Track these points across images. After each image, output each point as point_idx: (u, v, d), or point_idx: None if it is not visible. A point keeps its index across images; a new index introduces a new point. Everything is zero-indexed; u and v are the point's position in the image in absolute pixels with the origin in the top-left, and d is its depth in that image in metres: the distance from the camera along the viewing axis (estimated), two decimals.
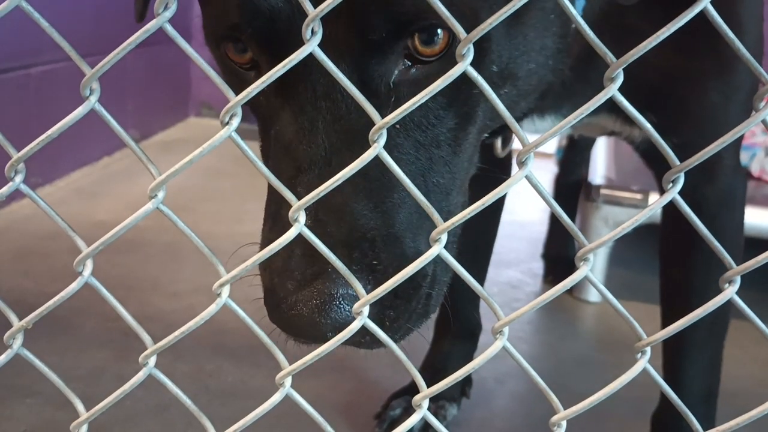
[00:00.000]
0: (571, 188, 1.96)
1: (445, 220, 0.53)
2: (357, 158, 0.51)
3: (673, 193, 0.52)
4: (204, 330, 1.44)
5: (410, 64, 0.62)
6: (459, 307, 1.27)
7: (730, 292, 0.53)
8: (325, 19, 0.50)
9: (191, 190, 2.44)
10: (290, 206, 0.52)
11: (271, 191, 0.67)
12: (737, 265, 0.53)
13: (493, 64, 0.65)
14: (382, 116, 0.51)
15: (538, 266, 1.99)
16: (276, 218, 0.64)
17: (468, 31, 0.49)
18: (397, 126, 0.63)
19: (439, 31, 0.61)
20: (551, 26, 0.70)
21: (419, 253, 0.56)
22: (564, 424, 0.56)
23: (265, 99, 0.65)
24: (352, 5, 0.56)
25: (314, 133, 0.62)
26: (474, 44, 0.49)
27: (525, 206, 2.43)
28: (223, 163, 2.73)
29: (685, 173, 0.51)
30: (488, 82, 0.50)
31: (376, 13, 0.59)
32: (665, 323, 1.03)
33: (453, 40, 0.61)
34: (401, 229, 0.62)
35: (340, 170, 0.51)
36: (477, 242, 1.23)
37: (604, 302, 1.87)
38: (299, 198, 0.53)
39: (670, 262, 1.03)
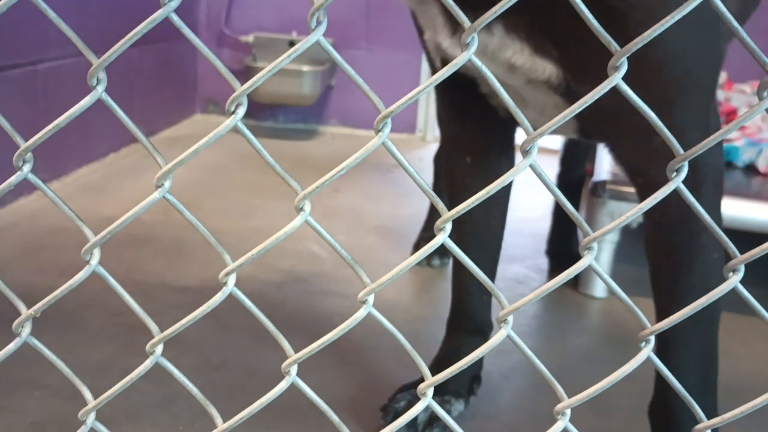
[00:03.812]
0: (574, 185, 1.95)
1: None
2: None
3: (677, 182, 0.52)
4: (209, 324, 1.45)
5: None
6: (469, 304, 1.27)
7: (734, 280, 0.53)
8: None
9: (197, 186, 2.45)
10: None
11: None
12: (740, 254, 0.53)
13: None
14: None
15: (544, 262, 1.99)
16: None
17: None
18: None
19: None
20: None
21: None
22: (568, 412, 0.56)
23: None
24: None
25: None
26: None
27: (530, 202, 2.42)
28: (228, 160, 2.74)
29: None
30: None
31: None
32: (659, 316, 1.01)
33: None
34: None
35: None
36: (483, 235, 1.23)
37: (610, 298, 1.86)
38: None
39: (657, 253, 1.03)
